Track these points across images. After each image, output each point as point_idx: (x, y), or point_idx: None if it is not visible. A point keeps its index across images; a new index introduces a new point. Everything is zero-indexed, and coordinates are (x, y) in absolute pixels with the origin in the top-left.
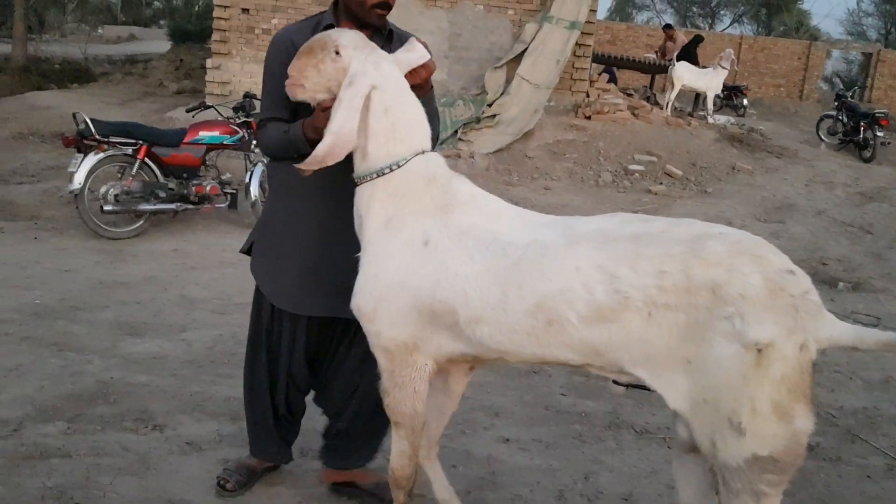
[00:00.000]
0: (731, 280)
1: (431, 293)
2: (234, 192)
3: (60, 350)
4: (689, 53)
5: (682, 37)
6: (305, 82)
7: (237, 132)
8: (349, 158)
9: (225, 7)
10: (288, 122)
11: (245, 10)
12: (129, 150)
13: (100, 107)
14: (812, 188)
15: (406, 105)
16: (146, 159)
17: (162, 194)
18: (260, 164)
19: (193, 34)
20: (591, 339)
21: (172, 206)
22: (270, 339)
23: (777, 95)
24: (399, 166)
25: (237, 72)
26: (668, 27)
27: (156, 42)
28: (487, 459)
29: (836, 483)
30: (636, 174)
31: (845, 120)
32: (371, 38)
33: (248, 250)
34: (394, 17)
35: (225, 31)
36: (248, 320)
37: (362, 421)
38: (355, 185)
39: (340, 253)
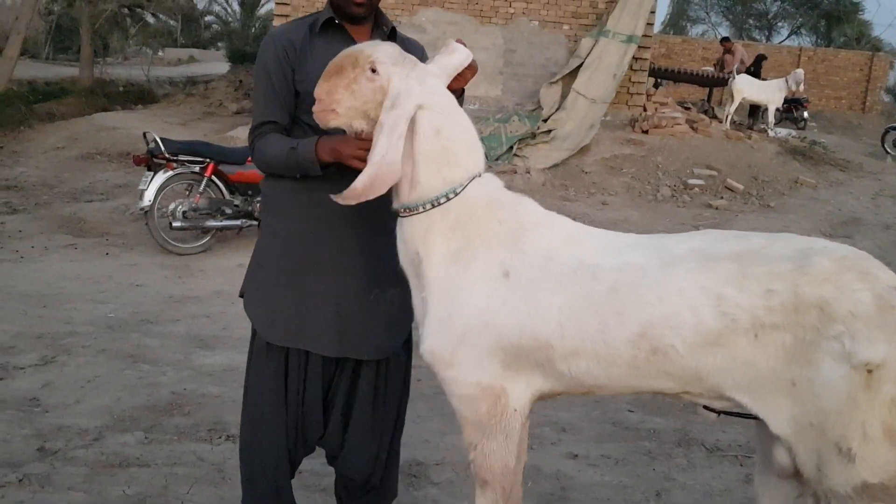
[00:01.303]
0: (840, 297)
1: (520, 329)
2: None
3: (135, 362)
4: (754, 73)
5: (741, 49)
6: (338, 107)
7: None
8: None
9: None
10: (286, 130)
11: None
12: (197, 168)
13: (163, 126)
14: (879, 202)
15: (458, 124)
16: (213, 177)
17: (228, 211)
18: None
19: (251, 56)
20: (695, 366)
21: (238, 222)
22: (275, 385)
23: (838, 108)
24: (456, 194)
25: None
26: (725, 40)
27: (214, 63)
28: (556, 475)
29: None
30: (696, 188)
31: None
32: (370, 37)
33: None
34: (451, 35)
35: None
36: None
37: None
38: (398, 216)
39: (350, 284)
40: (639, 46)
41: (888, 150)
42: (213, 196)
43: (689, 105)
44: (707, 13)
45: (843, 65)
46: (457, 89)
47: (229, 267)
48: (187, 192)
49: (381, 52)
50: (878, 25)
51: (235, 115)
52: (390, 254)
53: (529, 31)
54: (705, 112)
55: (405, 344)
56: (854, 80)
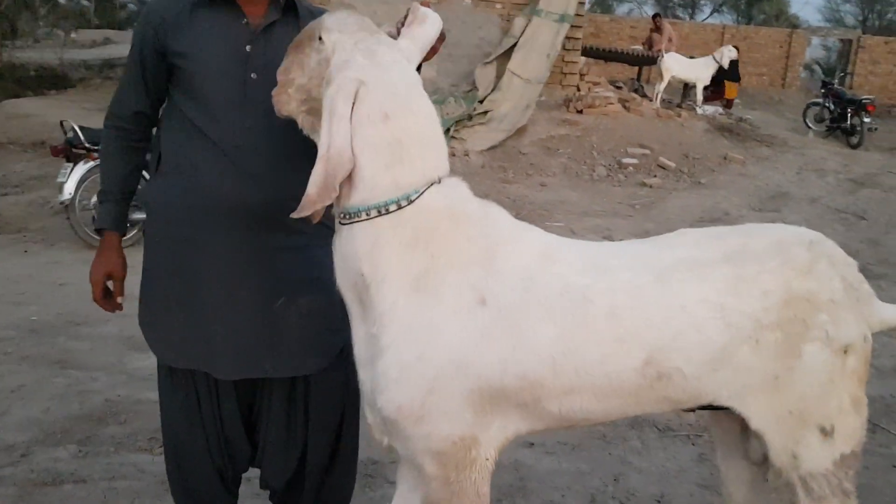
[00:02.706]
0: (820, 287)
1: (503, 367)
2: None
3: (63, 368)
4: (732, 74)
5: (669, 27)
6: (290, 86)
7: None
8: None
9: None
10: (148, 118)
11: None
12: None
13: (81, 113)
14: (804, 176)
15: (416, 112)
16: None
17: None
18: None
19: None
20: (697, 386)
21: None
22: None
23: (760, 84)
24: (410, 201)
25: None
26: (656, 16)
27: None
28: (515, 465)
29: (863, 475)
30: (630, 167)
31: (832, 107)
32: (267, 7)
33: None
34: (382, 14)
35: None
36: None
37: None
38: (339, 222)
39: (250, 295)
40: (571, 26)
41: (809, 125)
42: (140, 186)
43: (621, 84)
44: None
45: (764, 42)
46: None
47: None
48: None
49: (332, 18)
50: (795, 2)
51: None
52: (299, 256)
53: (462, 10)
54: (635, 91)
55: (339, 359)
56: (774, 57)
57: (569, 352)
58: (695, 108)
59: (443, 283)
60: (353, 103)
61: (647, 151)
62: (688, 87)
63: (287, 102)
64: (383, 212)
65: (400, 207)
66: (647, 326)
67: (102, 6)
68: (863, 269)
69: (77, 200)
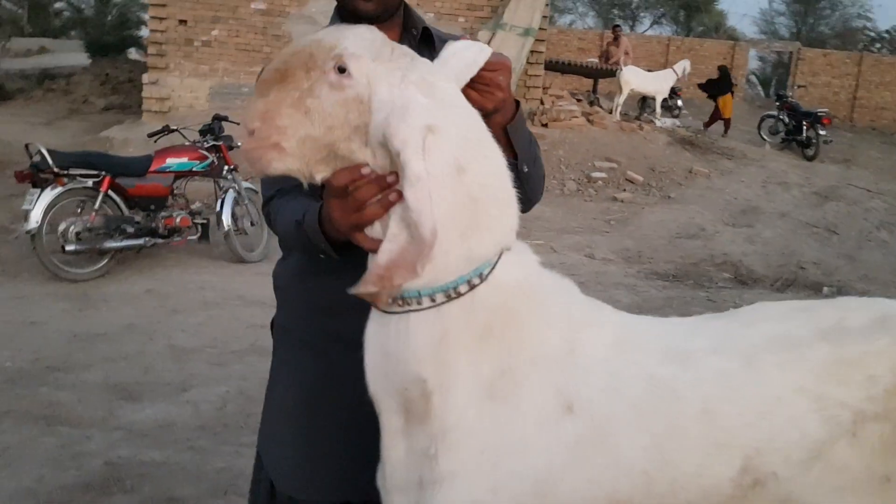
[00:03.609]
0: None
1: (592, 492)
2: (206, 221)
3: (50, 425)
4: (721, 85)
5: (626, 40)
6: (284, 139)
7: (207, 157)
8: None
9: (161, 19)
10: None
11: (182, 22)
12: (91, 183)
13: (24, 128)
14: (769, 189)
15: (490, 158)
16: (109, 192)
17: (129, 229)
18: (231, 189)
19: (113, 46)
20: (787, 491)
21: (140, 241)
22: None
23: (705, 95)
24: (483, 278)
25: (176, 86)
26: (616, 27)
27: (70, 54)
28: None
29: None
30: (599, 181)
31: (787, 120)
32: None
33: None
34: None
35: (161, 44)
36: (250, 371)
37: None
38: (380, 310)
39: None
40: (535, 39)
41: (765, 137)
42: (111, 213)
43: (581, 97)
44: (574, 3)
45: (708, 54)
46: (500, 104)
47: (135, 294)
48: (79, 210)
49: (352, 38)
50: (732, 15)
51: (104, 111)
52: None
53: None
54: (591, 103)
55: None
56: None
57: (664, 464)
58: (654, 121)
59: (523, 386)
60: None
61: (615, 165)
62: (646, 100)
63: (280, 160)
64: (453, 295)
65: (472, 287)
66: (744, 425)
67: (36, 14)
68: (846, 287)
69: (44, 229)
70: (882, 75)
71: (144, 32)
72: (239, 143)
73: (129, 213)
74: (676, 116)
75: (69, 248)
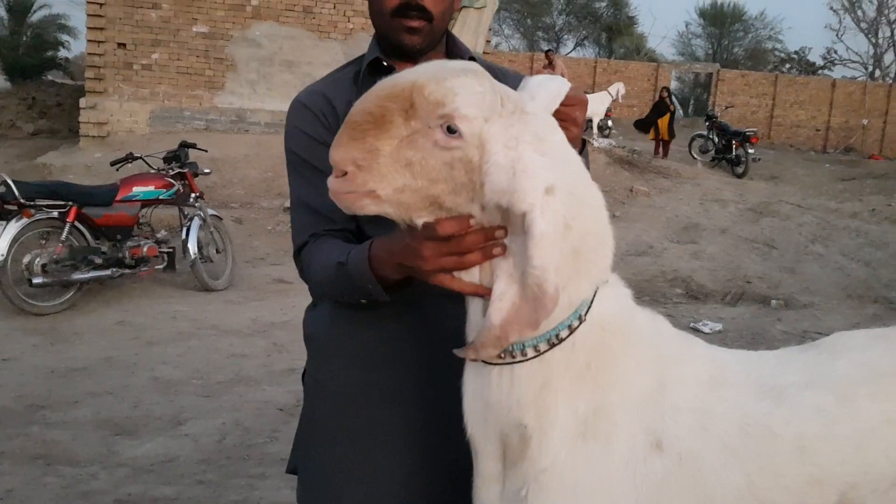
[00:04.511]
0: None
1: None
2: (171, 250)
3: (50, 464)
4: (661, 108)
5: (561, 63)
6: (379, 187)
7: (173, 185)
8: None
9: (99, 42)
10: (352, 233)
11: (121, 45)
12: (56, 214)
13: None
14: (707, 206)
15: (591, 206)
16: (76, 222)
17: (96, 260)
18: (197, 217)
19: (32, 68)
20: None
21: (108, 272)
22: None
23: (632, 115)
24: (581, 320)
25: (115, 111)
26: (548, 51)
27: None
28: None
29: None
30: None
31: (716, 139)
32: None
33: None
34: (288, 51)
35: (100, 67)
36: (241, 402)
37: None
38: (486, 363)
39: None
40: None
41: (695, 155)
42: (77, 244)
43: None
44: (500, 25)
45: (633, 75)
46: (571, 140)
47: (107, 326)
48: (43, 242)
49: (464, 96)
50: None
51: (33, 136)
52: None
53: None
54: None
55: None
56: (643, 90)
57: (757, 502)
58: (592, 142)
59: (614, 424)
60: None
61: None
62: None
63: (377, 206)
64: (555, 342)
65: (572, 331)
66: (840, 461)
67: None
68: (792, 300)
69: (9, 262)
70: (796, 94)
71: (65, 54)
72: (207, 171)
73: (96, 243)
74: (607, 136)
75: (36, 280)
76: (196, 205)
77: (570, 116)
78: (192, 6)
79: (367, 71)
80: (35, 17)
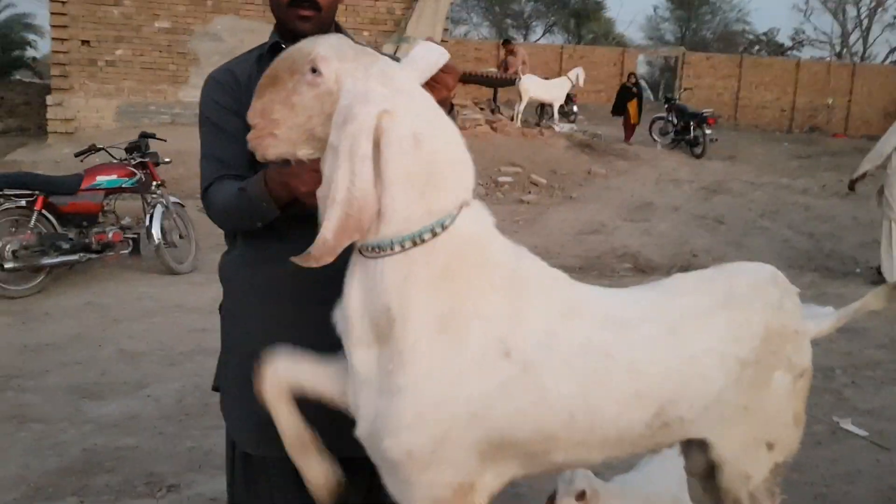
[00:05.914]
0: (788, 320)
1: (520, 422)
2: (136, 236)
3: (22, 423)
4: (624, 98)
5: (522, 50)
6: (276, 128)
7: (135, 174)
8: None
9: (63, 40)
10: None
11: (85, 42)
12: (24, 202)
13: None
14: (662, 186)
15: (445, 130)
16: (43, 210)
17: (64, 246)
18: (159, 205)
19: None
20: (689, 430)
21: (75, 256)
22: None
23: (598, 100)
24: (444, 228)
25: (81, 107)
26: (506, 42)
27: None
28: None
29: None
30: (506, 185)
31: (675, 121)
32: None
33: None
34: (249, 44)
35: (65, 65)
36: (201, 368)
37: None
38: (361, 254)
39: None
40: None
41: (655, 138)
42: (45, 231)
43: (483, 106)
44: (468, 14)
45: (599, 60)
46: (445, 100)
47: (76, 307)
48: (13, 230)
49: (325, 46)
50: (621, 22)
51: (3, 134)
52: None
53: None
54: (493, 112)
55: None
56: (610, 74)
57: (588, 408)
58: (552, 126)
59: (467, 329)
60: (380, 136)
61: (519, 170)
62: (544, 107)
63: (275, 146)
64: (418, 242)
65: (434, 235)
66: (661, 380)
67: None
68: None
69: None
70: (761, 76)
71: (32, 53)
72: (167, 160)
73: (63, 230)
74: (573, 121)
75: (7, 265)
76: (158, 193)
77: (443, 80)
78: (154, 2)
79: (268, 53)
80: (0, 17)
